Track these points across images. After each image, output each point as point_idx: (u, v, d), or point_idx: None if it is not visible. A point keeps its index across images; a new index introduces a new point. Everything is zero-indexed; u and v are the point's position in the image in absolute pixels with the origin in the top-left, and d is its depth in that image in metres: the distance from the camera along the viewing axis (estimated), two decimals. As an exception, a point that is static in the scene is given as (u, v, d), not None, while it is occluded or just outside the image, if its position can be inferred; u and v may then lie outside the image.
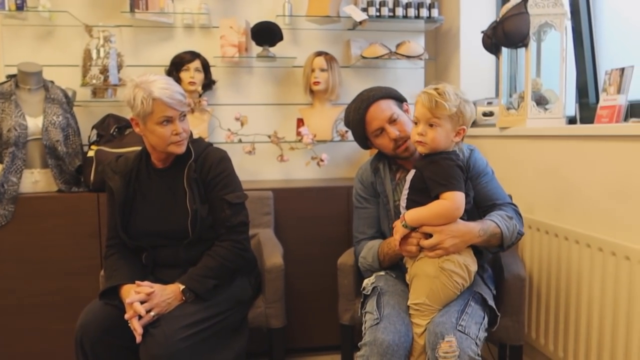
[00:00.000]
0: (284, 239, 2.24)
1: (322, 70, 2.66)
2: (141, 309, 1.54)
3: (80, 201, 2.27)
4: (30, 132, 2.24)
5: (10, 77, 2.33)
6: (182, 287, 1.66)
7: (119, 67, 2.53)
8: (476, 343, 1.46)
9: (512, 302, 1.78)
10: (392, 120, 1.75)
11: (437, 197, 1.52)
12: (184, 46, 2.67)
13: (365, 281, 1.75)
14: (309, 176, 2.84)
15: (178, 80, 2.52)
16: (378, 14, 2.71)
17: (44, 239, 2.23)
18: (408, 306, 1.58)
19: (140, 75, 1.69)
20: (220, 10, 2.74)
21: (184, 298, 1.65)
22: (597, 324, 1.75)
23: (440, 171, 1.53)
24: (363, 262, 1.79)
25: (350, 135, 2.71)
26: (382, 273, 1.75)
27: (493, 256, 1.85)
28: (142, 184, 1.80)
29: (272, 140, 2.67)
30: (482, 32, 2.32)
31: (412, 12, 2.72)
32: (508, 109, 2.31)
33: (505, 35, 2.12)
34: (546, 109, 2.14)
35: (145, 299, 1.58)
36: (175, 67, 2.58)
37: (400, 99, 1.83)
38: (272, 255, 1.98)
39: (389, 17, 2.73)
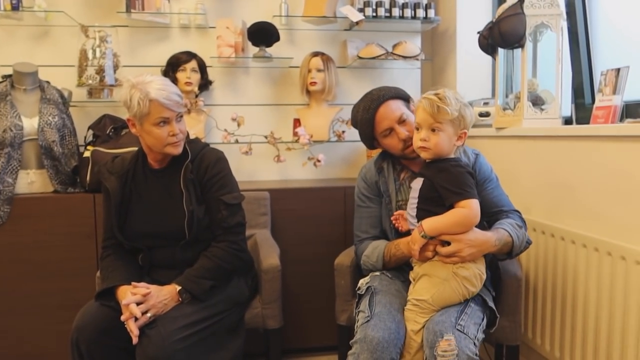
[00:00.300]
0: (280, 239, 2.24)
1: (319, 70, 2.66)
2: (137, 311, 1.54)
3: (76, 202, 2.26)
4: (26, 133, 2.23)
5: (5, 77, 2.32)
6: (178, 288, 1.65)
7: (115, 67, 2.53)
8: (474, 343, 1.46)
9: (508, 302, 1.78)
10: (402, 121, 1.75)
11: (451, 206, 1.52)
12: (181, 46, 2.67)
13: (361, 281, 1.76)
14: (305, 177, 2.84)
15: (174, 81, 2.51)
16: (374, 14, 2.71)
17: (40, 240, 2.23)
18: (407, 301, 1.59)
19: (137, 75, 1.68)
20: (217, 10, 2.74)
21: (180, 299, 1.65)
22: (593, 324, 1.76)
23: (452, 179, 1.52)
24: (366, 260, 1.79)
25: (346, 135, 2.75)
26: (378, 273, 1.76)
27: (490, 257, 1.85)
28: (139, 184, 1.80)
29: (269, 140, 2.67)
30: (479, 32, 2.32)
31: (408, 12, 2.72)
32: (504, 109, 2.32)
33: (501, 36, 2.13)
34: (542, 110, 2.15)
35: (141, 300, 1.57)
36: (172, 68, 2.57)
37: (407, 99, 1.83)
38: (269, 255, 1.97)
39: (386, 17, 2.73)
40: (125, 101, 1.67)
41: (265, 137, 2.68)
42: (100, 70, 2.45)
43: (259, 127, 2.75)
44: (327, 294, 2.11)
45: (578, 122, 2.13)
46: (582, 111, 2.12)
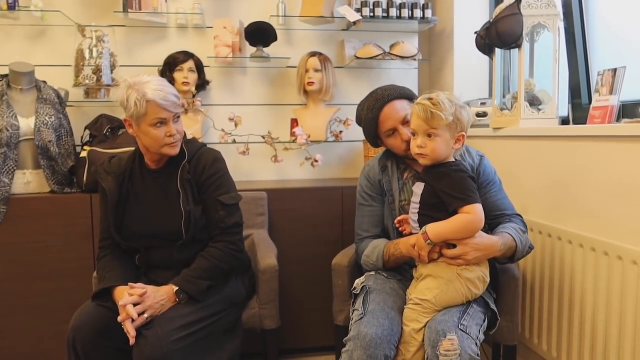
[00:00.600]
0: (278, 239, 2.24)
1: (316, 70, 2.66)
2: (134, 312, 1.53)
3: (73, 202, 2.25)
4: (22, 133, 2.22)
5: (2, 77, 2.31)
6: (175, 288, 1.65)
7: (112, 67, 2.52)
8: (476, 343, 1.47)
9: (506, 302, 1.78)
10: (406, 122, 1.73)
11: (455, 212, 1.52)
12: (178, 46, 2.67)
13: (357, 281, 1.76)
14: (303, 177, 2.84)
15: (172, 81, 2.51)
16: (372, 14, 2.72)
17: (37, 241, 2.22)
18: (408, 300, 1.59)
19: (134, 76, 1.68)
20: (214, 10, 2.73)
21: (177, 299, 1.64)
22: (590, 324, 1.76)
23: (455, 185, 1.51)
24: (367, 260, 1.79)
25: (344, 136, 2.75)
26: (373, 273, 1.76)
27: (490, 259, 1.86)
28: (136, 185, 1.80)
29: (267, 140, 2.67)
30: (476, 32, 2.32)
31: (406, 12, 2.73)
32: (501, 109, 2.32)
33: (498, 36, 2.13)
34: (539, 110, 2.15)
35: (138, 301, 1.57)
36: (169, 68, 2.57)
37: (413, 99, 1.82)
38: (266, 256, 1.97)
39: (383, 17, 2.74)
40: (122, 102, 1.66)
41: (263, 137, 2.67)
42: (97, 70, 2.44)
43: (257, 127, 2.75)
44: (325, 294, 2.11)
45: (575, 123, 2.13)
46: (579, 111, 2.13)
